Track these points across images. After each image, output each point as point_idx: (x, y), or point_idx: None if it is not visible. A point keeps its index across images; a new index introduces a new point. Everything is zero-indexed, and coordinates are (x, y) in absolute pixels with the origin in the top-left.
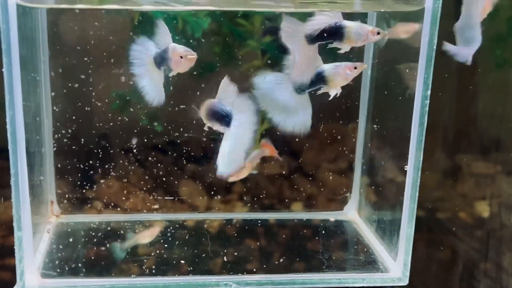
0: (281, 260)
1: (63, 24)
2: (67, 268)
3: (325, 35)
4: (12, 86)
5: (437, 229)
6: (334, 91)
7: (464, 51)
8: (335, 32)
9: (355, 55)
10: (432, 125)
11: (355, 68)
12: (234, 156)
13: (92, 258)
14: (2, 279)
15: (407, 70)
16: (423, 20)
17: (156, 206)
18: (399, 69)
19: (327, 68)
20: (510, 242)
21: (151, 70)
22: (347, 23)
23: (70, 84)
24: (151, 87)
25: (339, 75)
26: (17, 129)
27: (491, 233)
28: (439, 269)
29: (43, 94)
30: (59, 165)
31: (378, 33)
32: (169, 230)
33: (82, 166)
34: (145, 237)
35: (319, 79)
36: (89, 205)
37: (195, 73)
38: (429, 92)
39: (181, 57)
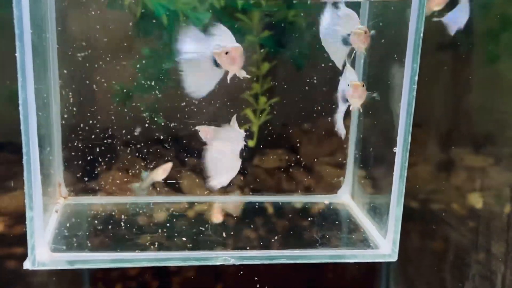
0: (278, 237)
1: (70, 13)
2: (74, 244)
3: None
4: (24, 69)
5: (431, 220)
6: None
7: (456, 19)
8: None
9: None
10: (426, 119)
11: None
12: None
13: (97, 235)
14: (9, 267)
15: (395, 64)
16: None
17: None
18: (390, 58)
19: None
20: (502, 232)
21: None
22: None
23: (77, 70)
24: (197, 79)
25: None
26: (29, 110)
27: (484, 224)
28: (433, 258)
29: (52, 79)
30: (67, 149)
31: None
32: (171, 211)
33: (88, 151)
34: (159, 174)
35: None
36: (95, 188)
37: None
38: (416, 77)
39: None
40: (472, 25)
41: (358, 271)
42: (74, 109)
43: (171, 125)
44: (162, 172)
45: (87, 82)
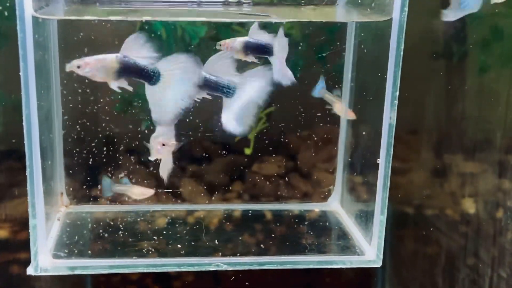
0: (269, 244)
1: (72, 32)
2: (75, 251)
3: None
4: (28, 87)
5: (424, 225)
6: None
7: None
8: None
9: (334, 57)
10: (420, 127)
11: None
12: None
13: (97, 242)
14: (14, 272)
15: (379, 74)
16: (391, 29)
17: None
18: (374, 73)
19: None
20: (494, 236)
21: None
22: None
23: (78, 87)
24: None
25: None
26: (32, 126)
27: (477, 228)
28: (427, 262)
29: (54, 96)
30: (68, 160)
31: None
32: (169, 219)
33: (89, 162)
34: (135, 193)
35: None
36: (96, 197)
37: None
38: (397, 93)
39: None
40: (465, 35)
41: (354, 276)
42: (75, 120)
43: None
44: (139, 193)
45: (87, 100)
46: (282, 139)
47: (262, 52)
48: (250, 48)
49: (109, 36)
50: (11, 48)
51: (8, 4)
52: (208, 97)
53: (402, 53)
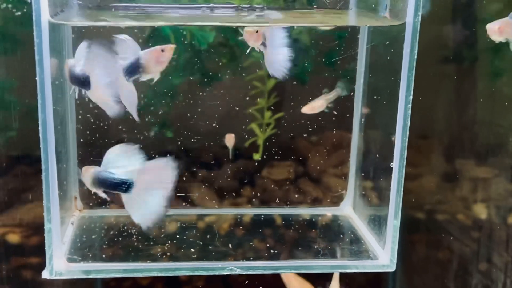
0: (282, 248)
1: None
2: (89, 255)
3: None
4: (44, 92)
5: (435, 230)
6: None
7: None
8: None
9: (348, 60)
10: (431, 132)
11: (162, 50)
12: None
13: (111, 246)
14: (26, 277)
15: (392, 79)
16: (405, 33)
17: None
18: (387, 78)
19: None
20: (507, 242)
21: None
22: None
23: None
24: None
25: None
26: (48, 130)
27: (488, 234)
28: (438, 267)
29: (68, 101)
30: (82, 164)
31: (163, 51)
32: (181, 224)
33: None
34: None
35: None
36: (108, 201)
37: (205, 80)
38: (411, 97)
39: (162, 50)
40: (477, 39)
41: (365, 281)
42: (88, 126)
43: (180, 139)
44: None
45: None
46: (291, 144)
47: None
48: None
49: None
50: (23, 54)
51: (24, 11)
52: (103, 195)
53: (416, 57)
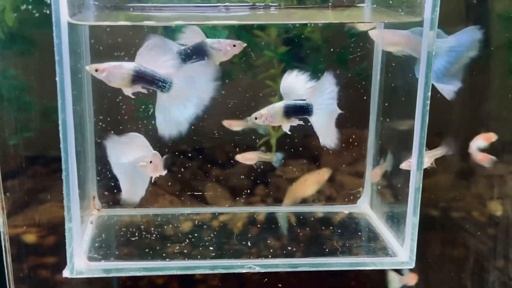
0: (300, 246)
1: (102, 37)
2: (109, 253)
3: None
4: (64, 92)
5: (451, 228)
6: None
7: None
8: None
9: (362, 58)
10: (446, 128)
11: (234, 45)
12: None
13: (129, 244)
14: (42, 276)
15: (410, 75)
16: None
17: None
18: (405, 73)
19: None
20: None
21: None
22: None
23: (109, 91)
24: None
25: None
26: (68, 130)
27: (505, 230)
28: (454, 265)
29: (86, 100)
30: (100, 164)
31: (234, 46)
32: (197, 222)
33: None
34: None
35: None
36: None
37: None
38: (429, 94)
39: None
40: (493, 35)
41: (379, 279)
42: (105, 126)
43: (195, 138)
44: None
45: (117, 104)
46: (305, 143)
47: (302, 112)
48: (291, 111)
49: (134, 33)
50: (41, 54)
51: (44, 12)
52: (144, 91)
53: (433, 53)
